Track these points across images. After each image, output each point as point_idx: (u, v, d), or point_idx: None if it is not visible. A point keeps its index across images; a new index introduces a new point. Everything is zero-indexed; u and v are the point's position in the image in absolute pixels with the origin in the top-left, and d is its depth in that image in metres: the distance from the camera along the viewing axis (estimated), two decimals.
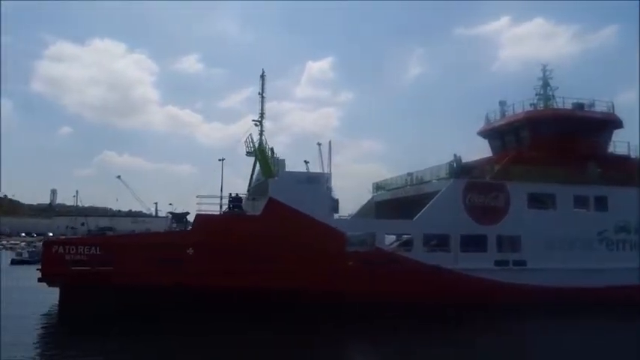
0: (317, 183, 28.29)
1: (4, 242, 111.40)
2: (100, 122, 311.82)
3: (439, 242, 30.90)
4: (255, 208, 28.18)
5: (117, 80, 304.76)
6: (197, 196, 26.83)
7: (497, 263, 30.14)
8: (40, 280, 26.32)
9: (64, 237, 44.70)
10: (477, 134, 40.81)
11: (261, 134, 32.20)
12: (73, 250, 25.50)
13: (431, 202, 29.98)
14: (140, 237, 27.62)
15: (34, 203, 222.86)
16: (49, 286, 27.17)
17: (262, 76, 33.14)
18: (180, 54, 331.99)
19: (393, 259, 28.91)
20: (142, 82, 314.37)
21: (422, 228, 29.53)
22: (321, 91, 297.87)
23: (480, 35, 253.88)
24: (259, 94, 32.84)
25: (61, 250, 25.70)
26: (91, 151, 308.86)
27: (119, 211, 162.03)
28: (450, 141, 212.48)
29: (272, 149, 31.95)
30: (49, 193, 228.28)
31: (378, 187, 40.47)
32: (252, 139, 31.34)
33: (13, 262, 59.03)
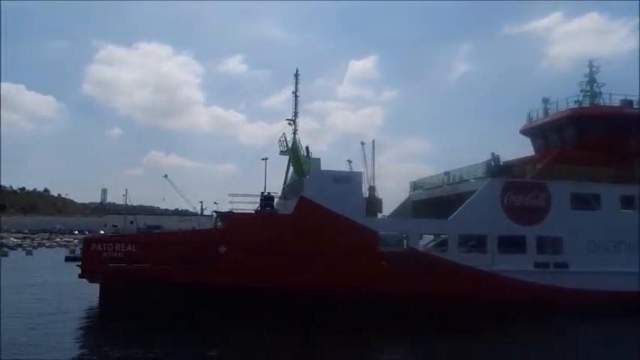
0: (349, 182, 28.05)
1: (58, 239, 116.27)
2: (148, 123, 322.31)
3: (477, 243, 30.16)
4: (288, 207, 28.21)
5: (163, 82, 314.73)
6: (229, 195, 27.12)
7: (537, 265, 29.09)
8: (80, 276, 27.26)
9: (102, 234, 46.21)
10: (520, 132, 39.64)
11: (294, 133, 32.26)
12: (110, 247, 26.23)
13: (467, 202, 29.25)
14: (173, 235, 28.07)
15: (87, 202, 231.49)
16: (90, 282, 28.07)
17: (296, 75, 33.18)
18: (225, 55, 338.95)
19: (427, 259, 28.33)
20: (188, 84, 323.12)
21: (457, 228, 28.84)
22: (364, 90, 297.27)
23: (529, 32, 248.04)
24: (293, 93, 32.94)
25: (99, 247, 26.50)
26: (140, 151, 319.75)
27: (166, 209, 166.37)
28: (496, 140, 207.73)
29: (307, 148, 31.89)
30: (100, 192, 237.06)
31: (415, 186, 39.82)
32: (285, 138, 31.41)
33: (67, 259, 61.35)
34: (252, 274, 25.20)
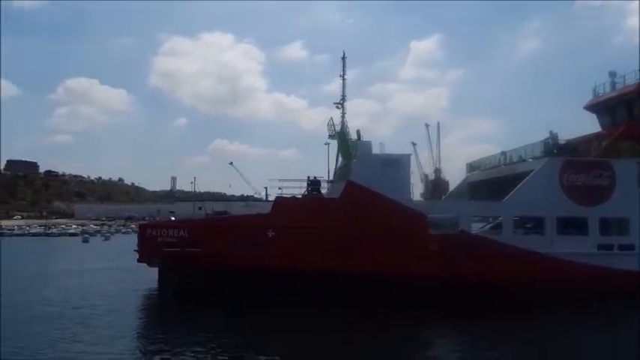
0: (397, 165, 27.50)
1: (132, 226, 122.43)
2: (212, 112, 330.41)
3: (534, 225, 28.91)
4: (335, 191, 28.13)
5: (226, 71, 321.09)
6: (279, 180, 27.38)
7: (601, 247, 27.55)
8: (139, 260, 28.46)
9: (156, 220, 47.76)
10: (584, 109, 37.36)
11: (343, 117, 32.06)
12: (164, 232, 27.20)
13: (522, 183, 28.04)
14: (223, 220, 28.65)
15: (158, 190, 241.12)
16: (150, 266, 29.26)
17: (343, 58, 32.90)
18: (285, 42, 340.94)
19: (480, 242, 27.45)
20: (250, 72, 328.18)
21: (512, 210, 27.78)
22: (428, 71, 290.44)
23: (603, 6, 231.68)
24: (340, 76, 32.66)
25: (154, 232, 27.54)
26: (205, 139, 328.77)
27: (232, 195, 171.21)
28: (566, 118, 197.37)
29: (358, 132, 31.60)
30: (170, 180, 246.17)
31: (471, 167, 38.63)
32: (333, 122, 31.22)
33: None
34: (298, 257, 25.36)
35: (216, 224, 27.59)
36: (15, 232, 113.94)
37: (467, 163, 39.47)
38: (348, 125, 31.51)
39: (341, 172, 31.40)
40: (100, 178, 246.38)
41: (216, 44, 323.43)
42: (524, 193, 27.73)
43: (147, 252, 27.62)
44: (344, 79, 32.47)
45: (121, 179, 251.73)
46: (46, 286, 32.48)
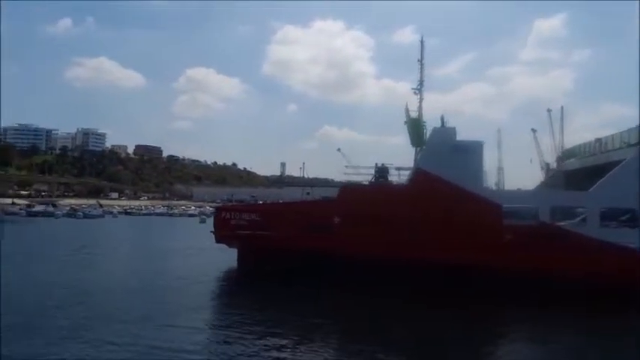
0: (468, 152, 26.42)
1: None
2: (321, 99, 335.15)
3: (630, 217, 26.35)
4: (403, 179, 27.71)
5: (336, 58, 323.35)
6: (346, 166, 27.52)
7: None
8: (217, 241, 30.11)
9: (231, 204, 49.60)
10: None
11: (420, 102, 31.21)
12: (237, 215, 28.55)
13: (612, 172, 25.68)
14: (292, 205, 29.40)
15: (268, 175, 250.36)
16: (229, 247, 30.87)
17: (421, 42, 31.94)
18: (396, 27, 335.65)
19: (560, 234, 25.58)
20: (359, 58, 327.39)
21: (599, 201, 25.51)
22: (550, 52, 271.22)
23: None
24: (419, 61, 31.75)
25: (228, 215, 29.01)
26: (314, 125, 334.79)
27: (340, 182, 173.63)
28: None
29: (442, 117, 30.56)
30: (280, 165, 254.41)
31: (566, 154, 36.07)
32: (407, 108, 30.50)
33: None
34: (362, 244, 25.38)
35: (284, 209, 28.42)
36: (142, 211, 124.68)
37: (562, 151, 37.01)
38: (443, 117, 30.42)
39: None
40: (216, 162, 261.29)
41: (327, 31, 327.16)
42: (613, 184, 25.36)
43: (222, 234, 29.17)
44: (422, 64, 31.54)
45: (234, 164, 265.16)
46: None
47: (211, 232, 29.97)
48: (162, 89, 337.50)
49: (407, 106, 30.80)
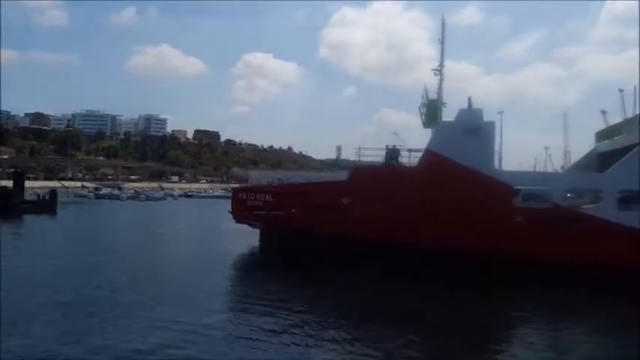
0: (479, 133, 25.98)
1: None
2: (378, 82, 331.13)
3: None
4: (414, 161, 27.65)
5: (394, 40, 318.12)
6: (337, 147, 27.85)
7: None
8: (237, 222, 31.22)
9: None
10: None
11: (440, 83, 30.80)
12: (252, 196, 29.46)
13: (631, 152, 24.62)
14: (303, 186, 29.83)
15: (324, 158, 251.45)
16: (251, 227, 31.93)
17: (442, 22, 31.42)
18: (458, 6, 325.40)
19: (575, 217, 24.88)
20: (418, 40, 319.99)
21: (616, 183, 24.57)
22: (625, 31, 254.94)
23: None
24: (439, 41, 31.28)
25: (244, 196, 29.98)
26: (371, 109, 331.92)
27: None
28: None
29: (469, 99, 29.99)
30: (335, 149, 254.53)
31: (601, 135, 34.54)
32: (426, 90, 30.22)
33: None
34: (372, 226, 25.66)
35: (296, 190, 29.00)
36: (202, 194, 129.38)
37: (595, 132, 35.46)
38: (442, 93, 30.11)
39: None
40: (272, 146, 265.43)
41: (385, 12, 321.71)
42: (633, 165, 24.32)
43: (239, 214, 30.24)
44: (443, 45, 31.04)
45: (290, 148, 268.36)
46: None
47: (229, 212, 31.09)
48: (221, 75, 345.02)
49: (425, 87, 30.55)
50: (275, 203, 28.60)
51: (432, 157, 26.35)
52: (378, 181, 26.95)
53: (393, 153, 27.86)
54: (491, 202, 25.13)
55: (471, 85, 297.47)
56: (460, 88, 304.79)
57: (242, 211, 29.89)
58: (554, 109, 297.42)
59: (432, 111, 28.50)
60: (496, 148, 27.12)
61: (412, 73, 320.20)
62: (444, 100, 30.62)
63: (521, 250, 23.51)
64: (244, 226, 31.92)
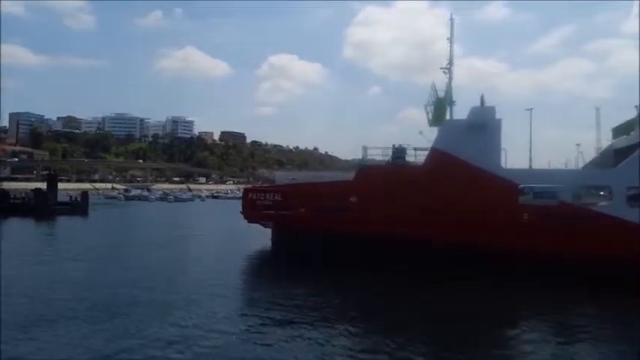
0: (484, 130, 25.90)
1: None
2: (403, 80, 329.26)
3: None
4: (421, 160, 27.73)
5: (418, 38, 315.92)
6: (362, 147, 28.04)
7: None
8: (249, 221, 31.72)
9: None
10: None
11: (449, 82, 30.77)
12: (262, 196, 29.94)
13: None
14: (311, 186, 30.16)
15: (349, 159, 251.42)
16: (264, 227, 32.41)
17: (451, 20, 31.39)
18: (483, 3, 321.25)
19: (583, 214, 24.60)
20: (443, 37, 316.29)
21: (626, 179, 24.20)
22: None
23: None
24: (448, 39, 31.23)
25: (254, 196, 30.50)
26: (395, 108, 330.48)
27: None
28: None
29: (482, 97, 29.86)
30: (361, 149, 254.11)
31: (618, 131, 33.95)
32: (435, 88, 30.18)
33: None
34: (378, 224, 25.81)
35: (303, 190, 29.37)
36: (228, 195, 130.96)
37: (612, 128, 34.88)
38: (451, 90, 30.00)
39: None
40: (297, 147, 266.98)
41: (410, 10, 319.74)
42: None
43: (249, 213, 30.74)
44: (451, 42, 31.00)
45: (315, 148, 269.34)
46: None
47: (240, 212, 31.65)
48: (247, 76, 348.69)
49: (433, 84, 30.51)
50: (283, 203, 29.01)
51: (437, 156, 26.40)
52: (384, 180, 27.14)
53: (399, 152, 27.98)
54: (495, 200, 25.04)
55: (497, 81, 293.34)
56: (489, 85, 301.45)
57: (252, 211, 30.39)
58: (586, 105, 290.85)
59: (439, 109, 28.51)
60: (503, 145, 26.83)
61: (437, 70, 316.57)
62: (454, 99, 30.70)
63: (524, 247, 23.39)
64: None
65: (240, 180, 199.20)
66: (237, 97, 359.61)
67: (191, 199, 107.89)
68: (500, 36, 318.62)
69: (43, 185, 63.93)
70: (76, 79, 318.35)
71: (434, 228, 25.00)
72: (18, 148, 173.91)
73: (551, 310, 18.00)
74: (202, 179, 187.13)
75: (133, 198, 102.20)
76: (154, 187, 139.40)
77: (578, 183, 25.96)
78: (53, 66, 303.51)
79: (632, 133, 31.31)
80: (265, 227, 32.05)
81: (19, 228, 43.24)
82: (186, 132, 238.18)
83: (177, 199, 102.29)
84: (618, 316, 17.61)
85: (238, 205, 34.03)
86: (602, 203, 25.69)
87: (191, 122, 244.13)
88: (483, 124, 26.07)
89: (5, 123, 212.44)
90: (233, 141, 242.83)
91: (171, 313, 16.13)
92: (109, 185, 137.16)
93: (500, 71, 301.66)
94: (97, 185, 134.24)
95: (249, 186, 44.27)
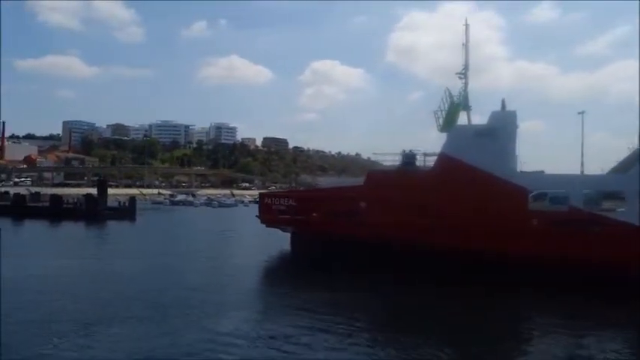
0: (493, 136, 25.90)
1: None
2: (448, 85, 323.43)
3: None
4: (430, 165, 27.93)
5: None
6: (373, 154, 28.43)
7: None
8: (267, 226, 32.65)
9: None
10: None
11: (465, 87, 30.86)
12: (277, 201, 30.83)
13: None
14: (323, 191, 30.77)
15: (390, 164, 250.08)
16: (282, 231, 33.25)
17: (466, 25, 31.47)
18: (531, 5, 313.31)
19: (594, 220, 24.22)
20: (490, 40, 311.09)
21: (638, 184, 23.70)
22: None
23: None
24: (463, 45, 31.34)
25: (269, 201, 31.40)
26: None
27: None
28: None
29: (503, 101, 29.77)
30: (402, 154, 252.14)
31: None
32: (449, 93, 30.28)
33: None
34: (388, 229, 26.22)
35: (316, 195, 30.07)
36: None
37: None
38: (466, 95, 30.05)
39: None
40: (340, 152, 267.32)
41: (455, 14, 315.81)
42: None
43: (265, 218, 31.69)
44: (467, 47, 31.11)
45: (358, 154, 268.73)
46: None
47: (256, 216, 32.60)
48: (289, 83, 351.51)
49: (447, 90, 30.61)
50: (298, 208, 29.79)
51: (446, 161, 26.57)
52: (393, 185, 27.48)
53: (408, 157, 28.26)
54: (503, 206, 24.98)
55: (547, 84, 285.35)
56: (538, 88, 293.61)
57: (268, 215, 31.32)
58: None
59: (451, 115, 28.66)
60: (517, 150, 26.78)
61: (483, 74, 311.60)
62: (470, 104, 30.78)
63: (532, 252, 23.28)
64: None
65: (283, 186, 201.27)
66: (280, 103, 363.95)
67: (234, 205, 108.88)
68: (550, 38, 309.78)
69: (94, 191, 66.76)
70: (125, 88, 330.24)
71: (440, 232, 25.20)
72: (71, 154, 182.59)
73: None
74: (246, 185, 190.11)
75: (178, 203, 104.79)
76: (198, 192, 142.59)
77: (583, 188, 25.52)
78: (104, 76, 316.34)
79: None
80: (284, 232, 32.93)
81: (72, 231, 46.02)
82: (230, 138, 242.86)
83: (221, 205, 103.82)
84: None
85: None
86: (616, 209, 25.18)
87: (234, 128, 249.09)
88: (493, 130, 26.06)
89: (59, 131, 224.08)
90: (275, 147, 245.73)
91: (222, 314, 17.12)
92: (155, 191, 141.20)
93: (550, 73, 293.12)
94: (144, 191, 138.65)
95: (264, 191, 45.07)
